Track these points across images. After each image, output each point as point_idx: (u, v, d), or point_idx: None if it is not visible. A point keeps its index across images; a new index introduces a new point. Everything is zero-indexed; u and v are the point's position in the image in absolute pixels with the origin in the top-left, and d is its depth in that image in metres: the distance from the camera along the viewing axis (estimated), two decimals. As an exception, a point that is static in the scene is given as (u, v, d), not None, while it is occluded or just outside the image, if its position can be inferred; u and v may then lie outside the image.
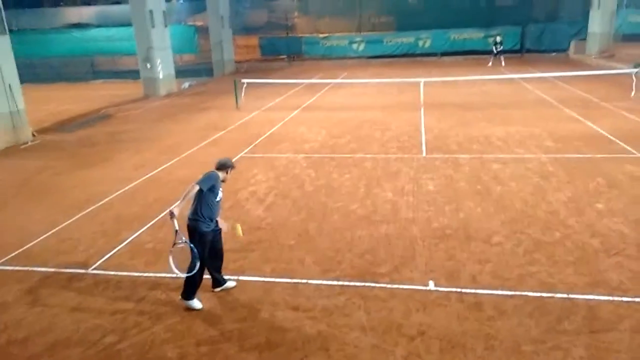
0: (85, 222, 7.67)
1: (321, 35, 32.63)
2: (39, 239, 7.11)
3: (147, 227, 7.33)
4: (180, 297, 5.25)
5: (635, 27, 25.27)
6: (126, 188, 9.14)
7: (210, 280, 5.47)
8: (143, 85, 21.01)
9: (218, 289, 5.50)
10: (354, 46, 31.95)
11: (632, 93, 15.03)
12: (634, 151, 9.84)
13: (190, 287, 5.18)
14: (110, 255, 6.51)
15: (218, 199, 5.23)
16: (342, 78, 22.85)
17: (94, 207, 8.27)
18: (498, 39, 25.70)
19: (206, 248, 5.15)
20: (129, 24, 21.50)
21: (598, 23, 26.27)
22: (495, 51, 25.40)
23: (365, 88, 20.05)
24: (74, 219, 7.81)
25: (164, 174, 9.93)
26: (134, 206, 8.24)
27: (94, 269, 6.18)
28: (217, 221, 5.31)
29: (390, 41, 31.49)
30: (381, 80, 20.01)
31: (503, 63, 24.75)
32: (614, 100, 14.96)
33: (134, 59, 22.06)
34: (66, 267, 6.22)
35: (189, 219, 5.15)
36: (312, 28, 34.05)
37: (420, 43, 30.89)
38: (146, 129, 14.41)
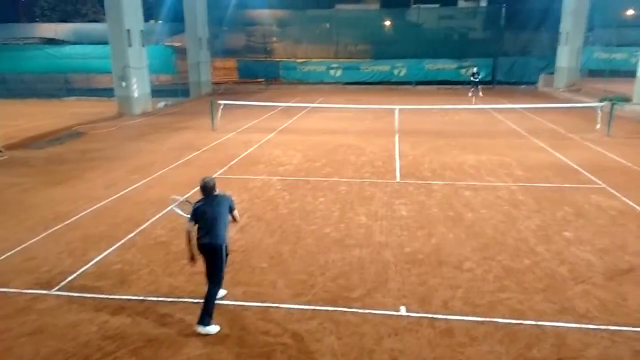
0: (51, 241, 7.43)
1: (299, 61, 33.06)
2: (2, 257, 6.84)
3: (115, 248, 7.14)
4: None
5: (600, 63, 26.44)
6: (95, 207, 8.92)
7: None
8: (118, 104, 20.77)
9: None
10: (331, 72, 32.44)
11: (597, 126, 15.62)
12: (599, 182, 10.16)
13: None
14: (76, 276, 6.29)
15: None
16: (319, 103, 23.08)
17: (61, 225, 8.02)
18: (475, 69, 26.39)
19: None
20: (105, 42, 21.35)
21: (566, 58, 27.45)
22: (474, 81, 25.92)
23: (342, 113, 20.29)
24: (40, 237, 7.55)
25: (135, 194, 9.74)
26: (102, 226, 8.03)
27: (58, 290, 5.95)
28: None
29: (367, 69, 32.14)
30: (357, 107, 20.29)
31: (481, 94, 25.34)
32: (580, 133, 15.51)
33: (109, 78, 21.83)
34: (29, 288, 5.98)
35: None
36: (290, 53, 34.47)
37: (396, 72, 31.62)
38: (118, 148, 14.18)
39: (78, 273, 6.37)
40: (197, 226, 5.11)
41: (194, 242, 5.10)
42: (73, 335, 5.01)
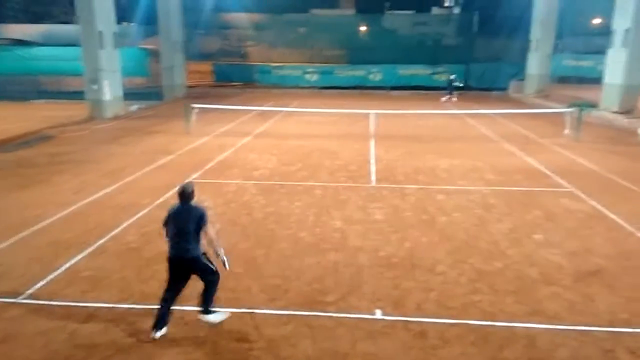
0: (19, 247, 7.20)
1: (274, 64, 33.02)
2: (-37, 266, 6.59)
3: (85, 254, 6.97)
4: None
5: (568, 70, 27.25)
6: (64, 212, 8.69)
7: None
8: (89, 107, 20.30)
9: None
10: (307, 76, 32.51)
11: (566, 131, 16.06)
12: (568, 186, 10.44)
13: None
14: (44, 283, 6.11)
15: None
16: (294, 107, 23.08)
17: (28, 231, 7.78)
18: (453, 77, 26.87)
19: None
20: (76, 44, 20.89)
21: (535, 65, 28.17)
22: (458, 86, 26.28)
23: (317, 117, 20.33)
24: (6, 243, 7.31)
25: (106, 199, 9.54)
26: (71, 231, 7.82)
27: (26, 297, 5.77)
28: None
29: (342, 73, 32.34)
30: (332, 111, 20.35)
31: (454, 99, 25.81)
32: (549, 137, 15.93)
33: (80, 80, 21.36)
34: (-7, 296, 5.79)
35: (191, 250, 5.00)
36: (265, 57, 34.40)
37: (371, 76, 31.90)
38: (89, 151, 13.88)
39: (47, 280, 6.20)
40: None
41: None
42: (41, 344, 4.87)
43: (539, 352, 4.80)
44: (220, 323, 5.22)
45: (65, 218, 8.45)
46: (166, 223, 5.06)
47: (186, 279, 5.11)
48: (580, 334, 5.08)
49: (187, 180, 5.27)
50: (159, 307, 5.02)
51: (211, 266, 5.11)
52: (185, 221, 4.94)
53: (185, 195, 5.02)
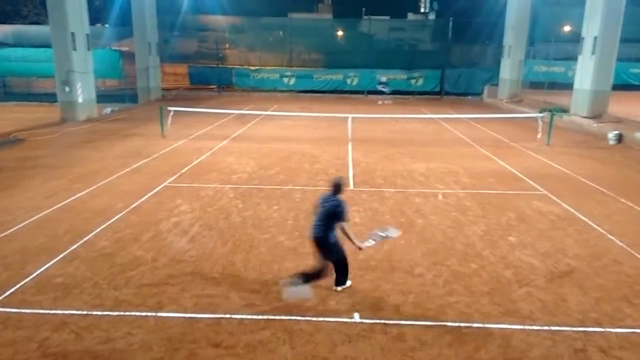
0: (-16, 255, 6.97)
1: (252, 68, 32.89)
2: None
3: (56, 261, 6.78)
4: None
5: (540, 75, 27.92)
6: (34, 218, 8.45)
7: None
8: (60, 109, 19.86)
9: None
10: (285, 80, 32.47)
11: (538, 135, 16.43)
12: (540, 188, 10.67)
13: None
14: (13, 291, 5.92)
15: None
16: (272, 110, 23.02)
17: (-4, 238, 7.55)
18: (383, 79, 27.43)
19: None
20: (48, 45, 20.42)
21: (508, 70, 28.81)
22: (383, 90, 26.92)
23: (295, 121, 20.32)
24: (-29, 251, 7.07)
25: (78, 203, 9.32)
26: (42, 237, 7.61)
27: (-8, 306, 5.58)
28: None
29: (320, 77, 32.41)
30: (311, 114, 20.39)
31: (381, 102, 26.30)
32: (522, 141, 16.27)
33: (52, 82, 20.89)
34: (-42, 305, 5.58)
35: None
36: (243, 60, 34.23)
37: (349, 80, 32.06)
38: (61, 155, 13.55)
39: (16, 287, 6.00)
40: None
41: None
42: (10, 354, 4.71)
43: (513, 351, 4.87)
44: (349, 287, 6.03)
45: (36, 224, 8.22)
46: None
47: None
48: (553, 333, 5.18)
49: (341, 177, 6.19)
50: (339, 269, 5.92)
51: (330, 255, 5.75)
52: (324, 208, 5.77)
53: (336, 187, 5.87)
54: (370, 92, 31.56)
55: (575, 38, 21.74)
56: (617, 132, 16.39)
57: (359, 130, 17.62)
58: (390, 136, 17.23)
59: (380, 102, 26.15)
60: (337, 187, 5.87)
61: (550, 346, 4.96)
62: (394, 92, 31.11)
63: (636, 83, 27.32)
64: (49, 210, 8.84)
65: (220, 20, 34.81)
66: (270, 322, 5.32)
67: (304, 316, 5.45)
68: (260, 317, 5.43)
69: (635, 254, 7.22)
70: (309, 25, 37.15)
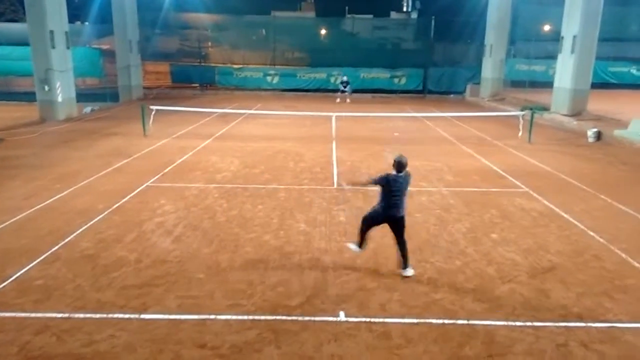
0: (-39, 258, 6.80)
1: (235, 66, 32.68)
2: None
3: (38, 262, 6.66)
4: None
5: (521, 74, 28.36)
6: (14, 219, 8.28)
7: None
8: (39, 109, 19.49)
9: (403, 272, 6.43)
10: (268, 78, 32.36)
11: (520, 133, 16.66)
12: (522, 185, 10.82)
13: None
14: (-9, 295, 5.80)
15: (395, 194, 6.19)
16: (256, 109, 22.92)
17: (-27, 240, 7.38)
18: (345, 78, 27.97)
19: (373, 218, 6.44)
20: (25, 43, 20.01)
21: (490, 69, 29.14)
22: (342, 89, 27.44)
23: (279, 120, 20.27)
24: (-53, 254, 6.90)
25: (59, 204, 9.16)
26: (22, 239, 7.46)
27: (-30, 310, 5.46)
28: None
29: (304, 76, 32.41)
30: (295, 113, 20.36)
31: (339, 100, 26.81)
32: (504, 139, 16.47)
33: (30, 80, 20.49)
34: None
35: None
36: (226, 58, 34.00)
37: (332, 79, 32.07)
38: (40, 155, 13.31)
39: (-6, 291, 5.88)
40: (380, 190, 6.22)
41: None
42: (-12, 359, 4.61)
43: (497, 347, 4.93)
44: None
45: (16, 225, 8.06)
46: (382, 183, 6.15)
47: (394, 233, 6.36)
48: (536, 329, 5.26)
49: (403, 155, 6.31)
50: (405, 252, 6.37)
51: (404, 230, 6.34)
52: (402, 186, 6.17)
53: (403, 165, 6.20)
54: (354, 91, 31.65)
55: (555, 37, 22.09)
56: (596, 129, 16.70)
57: (343, 128, 17.65)
58: (375, 134, 17.29)
59: (338, 100, 26.62)
60: (403, 165, 6.22)
61: (533, 342, 5.04)
62: (376, 91, 31.28)
63: (614, 81, 27.91)
64: (29, 211, 8.68)
65: (202, 18, 34.51)
66: (255, 322, 5.30)
67: (289, 315, 5.44)
68: (245, 317, 5.40)
69: (615, 250, 7.37)
70: (292, 24, 37.09)
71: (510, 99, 26.86)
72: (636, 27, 32.88)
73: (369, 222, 6.49)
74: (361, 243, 6.63)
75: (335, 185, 10.62)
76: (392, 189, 6.13)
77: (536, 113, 18.01)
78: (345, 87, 27.29)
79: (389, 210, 6.23)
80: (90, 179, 10.85)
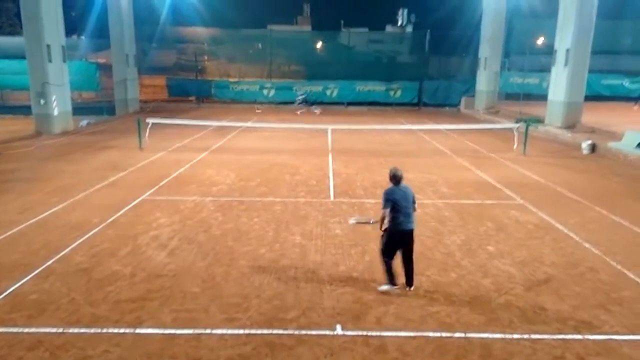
0: (-46, 272, 6.75)
1: (232, 80, 32.84)
2: None
3: (31, 277, 6.61)
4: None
5: (515, 87, 28.55)
6: (8, 233, 8.24)
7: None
8: (35, 122, 19.50)
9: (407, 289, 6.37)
10: (264, 92, 32.53)
11: (514, 146, 16.75)
12: (517, 198, 10.86)
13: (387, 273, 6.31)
14: (-16, 310, 5.74)
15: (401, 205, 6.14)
16: (252, 122, 22.98)
17: (-33, 254, 7.32)
18: (301, 91, 29.52)
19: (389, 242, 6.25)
20: (22, 57, 20.07)
21: (484, 82, 29.41)
22: (300, 102, 28.46)
23: (275, 133, 20.33)
24: (-60, 268, 6.84)
25: (54, 218, 9.12)
26: (16, 253, 7.42)
27: (-37, 326, 5.40)
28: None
29: (300, 89, 32.55)
30: (290, 126, 20.42)
31: (299, 112, 27.54)
32: (499, 152, 16.56)
33: (27, 94, 20.51)
34: None
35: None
36: (222, 72, 34.20)
37: (328, 92, 32.28)
38: (36, 168, 13.27)
39: (-13, 306, 5.83)
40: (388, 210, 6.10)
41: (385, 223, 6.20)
42: (-20, 376, 4.56)
43: (494, 361, 4.91)
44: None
45: (10, 239, 8.01)
46: (389, 199, 6.10)
47: (403, 248, 6.25)
48: (532, 342, 5.25)
49: (397, 167, 6.40)
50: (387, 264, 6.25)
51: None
52: (408, 200, 6.17)
53: (398, 177, 6.20)
54: (350, 104, 31.85)
55: (549, 50, 22.34)
56: (590, 142, 16.82)
57: (339, 141, 17.71)
58: (370, 147, 17.36)
59: (299, 113, 27.27)
60: (398, 176, 6.22)
61: (529, 354, 5.02)
62: (372, 103, 31.48)
63: (608, 94, 28.13)
64: (23, 225, 8.63)
65: (199, 32, 34.81)
66: (251, 337, 5.27)
67: (285, 329, 5.41)
68: (241, 331, 5.37)
69: (610, 262, 7.39)
70: (289, 37, 37.44)
71: (505, 111, 27.05)
72: (629, 40, 33.34)
73: (387, 248, 6.26)
74: (392, 279, 6.27)
75: (331, 198, 10.62)
76: (396, 199, 6.11)
77: (531, 125, 18.16)
78: (300, 102, 28.13)
79: (398, 225, 6.12)
80: (86, 192, 10.82)
